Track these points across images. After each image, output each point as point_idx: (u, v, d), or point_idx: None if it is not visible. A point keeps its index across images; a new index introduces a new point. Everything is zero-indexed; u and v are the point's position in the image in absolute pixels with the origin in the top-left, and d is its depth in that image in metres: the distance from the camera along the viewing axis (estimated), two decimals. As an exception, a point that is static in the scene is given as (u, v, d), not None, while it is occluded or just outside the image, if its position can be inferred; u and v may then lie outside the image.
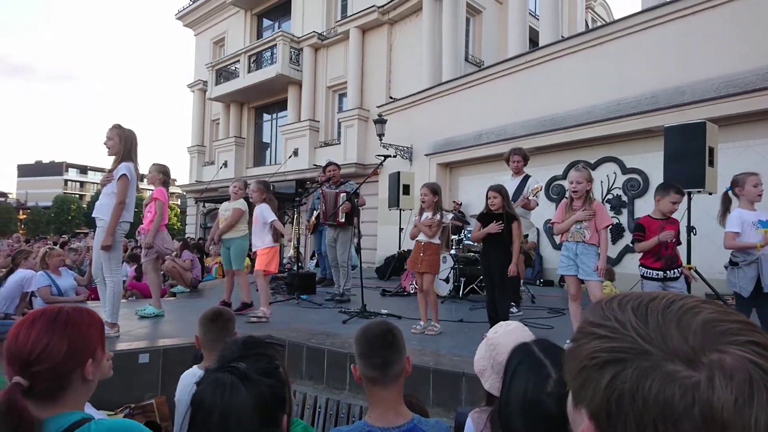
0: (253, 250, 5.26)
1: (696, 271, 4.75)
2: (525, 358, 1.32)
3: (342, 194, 6.15)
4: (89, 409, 1.55)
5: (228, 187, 5.86)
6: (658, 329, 0.49)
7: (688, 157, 4.90)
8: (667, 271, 3.70)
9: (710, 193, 5.04)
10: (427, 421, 1.54)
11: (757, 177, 3.81)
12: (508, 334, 1.57)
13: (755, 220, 3.75)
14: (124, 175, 4.02)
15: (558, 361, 1.28)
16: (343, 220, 6.13)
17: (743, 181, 3.84)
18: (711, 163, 4.95)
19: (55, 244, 9.98)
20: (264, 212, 5.13)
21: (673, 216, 3.84)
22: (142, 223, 5.18)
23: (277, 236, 5.16)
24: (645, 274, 3.79)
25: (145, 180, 5.72)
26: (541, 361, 1.29)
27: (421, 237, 4.50)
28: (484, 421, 1.44)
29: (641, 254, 3.84)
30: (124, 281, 7.30)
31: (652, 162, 7.55)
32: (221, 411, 1.04)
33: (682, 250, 4.21)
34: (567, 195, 4.01)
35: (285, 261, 9.56)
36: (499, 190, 4.27)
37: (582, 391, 0.53)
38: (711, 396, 0.44)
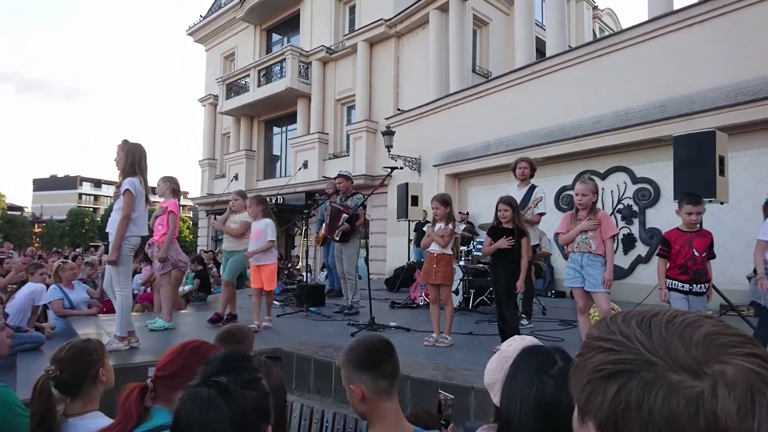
0: (256, 264, 5.25)
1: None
2: (528, 357, 1.32)
3: (344, 214, 6.16)
4: (105, 419, 1.77)
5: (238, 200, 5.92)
6: (662, 341, 0.50)
7: (697, 166, 4.84)
8: (693, 285, 3.59)
9: (722, 203, 4.98)
10: None
11: None
12: (524, 345, 1.56)
13: None
14: (128, 190, 4.01)
15: (557, 361, 1.28)
16: (338, 238, 6.19)
17: None
18: (722, 172, 4.89)
19: (66, 257, 10.09)
20: (269, 229, 5.18)
21: (705, 228, 3.74)
22: (154, 236, 5.22)
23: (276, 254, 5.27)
24: (670, 286, 3.71)
25: (156, 193, 5.77)
26: (541, 359, 1.29)
27: (434, 248, 4.48)
28: (494, 438, 1.42)
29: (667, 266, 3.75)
30: (135, 294, 7.36)
31: (662, 171, 7.49)
32: (199, 425, 1.02)
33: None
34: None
35: (289, 272, 9.55)
36: (510, 202, 4.24)
37: (589, 404, 0.53)
38: (715, 405, 0.45)
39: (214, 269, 10.04)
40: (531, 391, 1.22)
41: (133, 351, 4.10)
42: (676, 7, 8.27)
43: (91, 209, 64.05)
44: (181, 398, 1.11)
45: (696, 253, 3.58)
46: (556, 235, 4.03)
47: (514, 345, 1.58)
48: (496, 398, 1.52)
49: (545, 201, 5.31)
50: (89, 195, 72.53)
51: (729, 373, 0.46)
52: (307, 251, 7.85)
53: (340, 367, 1.60)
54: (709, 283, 3.65)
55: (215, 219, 5.84)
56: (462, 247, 7.47)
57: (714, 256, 3.75)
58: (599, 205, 3.97)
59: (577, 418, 0.58)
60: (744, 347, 0.49)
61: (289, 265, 12.99)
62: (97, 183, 73.92)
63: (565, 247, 3.93)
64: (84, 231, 52.43)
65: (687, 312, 0.54)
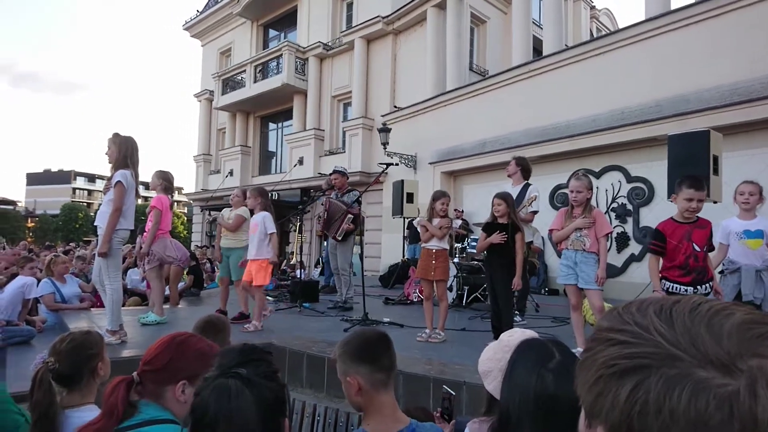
0: (248, 258, 5.03)
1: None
2: (525, 350, 1.31)
3: (350, 215, 6.05)
4: (97, 412, 1.73)
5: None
6: (687, 332, 0.43)
7: (691, 165, 4.84)
8: (698, 287, 3.14)
9: (715, 202, 4.99)
10: (423, 426, 1.51)
11: (743, 185, 3.87)
12: (524, 338, 1.55)
13: (740, 230, 3.75)
14: (120, 182, 3.97)
15: (554, 354, 1.28)
16: (340, 238, 6.11)
17: (735, 191, 3.90)
18: (715, 172, 4.91)
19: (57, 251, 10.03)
20: (266, 221, 4.91)
21: (703, 217, 3.21)
22: (145, 231, 5.20)
23: (273, 249, 5.01)
24: (670, 289, 3.21)
25: (150, 187, 5.75)
26: (538, 352, 1.28)
27: (433, 244, 4.49)
28: (485, 432, 1.41)
29: (662, 266, 3.28)
30: (129, 288, 7.33)
31: (657, 170, 7.50)
32: (226, 417, 1.02)
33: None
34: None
35: (285, 268, 9.54)
36: (505, 197, 4.26)
37: (598, 404, 0.46)
38: (754, 407, 0.38)
39: (208, 265, 10.00)
40: (529, 385, 1.21)
41: (124, 345, 4.08)
42: (672, 8, 8.30)
43: (85, 204, 63.74)
44: (199, 390, 1.09)
45: (696, 248, 3.12)
46: (550, 231, 4.00)
47: (516, 336, 1.56)
48: (490, 386, 1.51)
49: (539, 199, 5.32)
50: (83, 190, 72.14)
51: None
52: (301, 247, 7.83)
53: (335, 359, 1.57)
54: (714, 281, 3.20)
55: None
56: (456, 244, 7.48)
57: (713, 248, 3.34)
58: (594, 203, 3.95)
59: (583, 422, 0.50)
60: None
61: (284, 261, 12.96)
62: (91, 178, 73.51)
63: (559, 244, 3.91)
64: (78, 226, 52.19)
65: (712, 299, 0.48)
